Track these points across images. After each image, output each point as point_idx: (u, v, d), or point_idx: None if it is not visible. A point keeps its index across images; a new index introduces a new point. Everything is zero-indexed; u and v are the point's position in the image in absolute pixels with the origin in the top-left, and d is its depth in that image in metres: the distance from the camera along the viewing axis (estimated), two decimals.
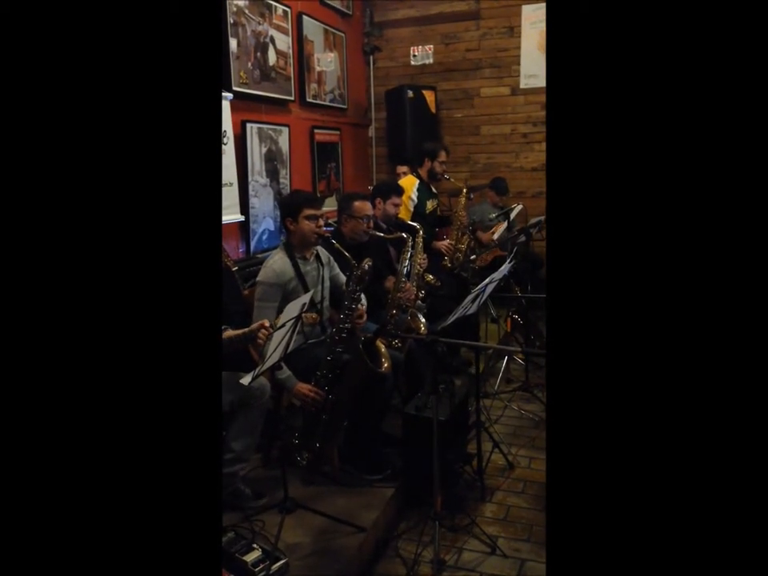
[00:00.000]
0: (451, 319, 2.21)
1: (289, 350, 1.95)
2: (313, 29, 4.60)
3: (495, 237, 3.95)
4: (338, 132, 5.02)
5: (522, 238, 3.73)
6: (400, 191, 3.43)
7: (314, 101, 4.62)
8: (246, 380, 1.83)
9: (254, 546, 2.02)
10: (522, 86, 5.36)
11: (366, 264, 2.41)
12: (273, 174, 4.03)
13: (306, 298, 1.96)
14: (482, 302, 2.33)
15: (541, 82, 5.28)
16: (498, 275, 2.41)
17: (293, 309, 1.87)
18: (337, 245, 2.50)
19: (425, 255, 3.27)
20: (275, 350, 1.85)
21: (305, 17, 4.44)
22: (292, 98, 4.28)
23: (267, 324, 2.05)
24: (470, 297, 2.25)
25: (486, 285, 2.32)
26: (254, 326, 2.06)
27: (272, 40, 4.01)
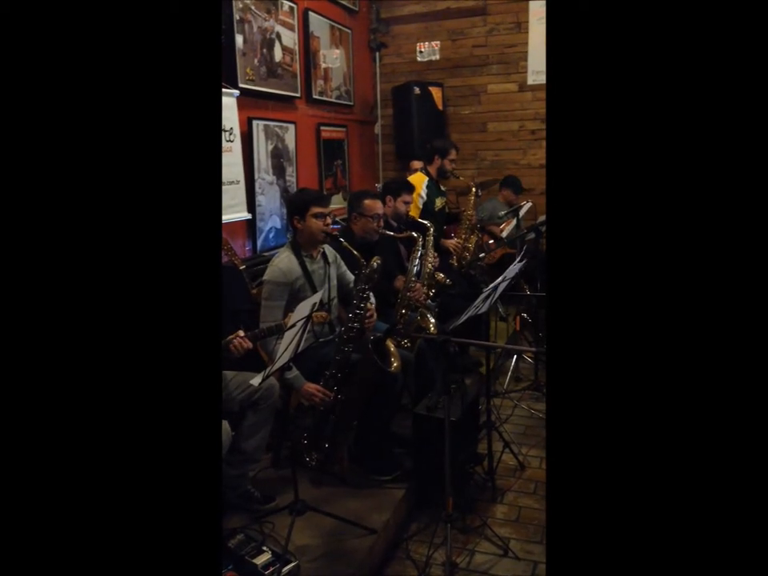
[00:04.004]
0: (463, 318, 2.18)
1: (299, 350, 1.92)
2: (319, 25, 4.56)
3: (504, 234, 3.92)
4: (344, 129, 4.99)
5: (531, 236, 3.70)
6: (411, 188, 3.39)
7: (321, 97, 4.59)
8: (256, 380, 1.80)
9: (264, 548, 2.00)
10: (529, 82, 5.31)
11: (375, 262, 2.38)
12: (279, 171, 4.00)
13: (316, 298, 1.93)
14: (493, 300, 2.29)
15: None
16: (510, 273, 2.38)
17: (303, 308, 1.84)
18: (345, 243, 2.47)
19: (436, 254, 3.23)
20: (286, 349, 1.82)
21: (311, 13, 4.40)
22: (298, 95, 4.25)
23: (242, 334, 2.06)
24: (482, 296, 2.21)
25: (499, 284, 2.28)
26: (231, 336, 2.04)
27: (278, 36, 3.97)
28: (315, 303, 1.89)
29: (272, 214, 3.93)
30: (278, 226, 3.97)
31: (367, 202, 2.93)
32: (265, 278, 2.45)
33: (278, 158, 3.98)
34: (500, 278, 2.31)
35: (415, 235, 3.08)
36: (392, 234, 3.08)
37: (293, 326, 1.80)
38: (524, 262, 2.56)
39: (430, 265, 3.21)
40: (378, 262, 2.36)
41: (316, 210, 2.45)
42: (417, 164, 4.69)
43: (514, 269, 2.40)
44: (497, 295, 2.26)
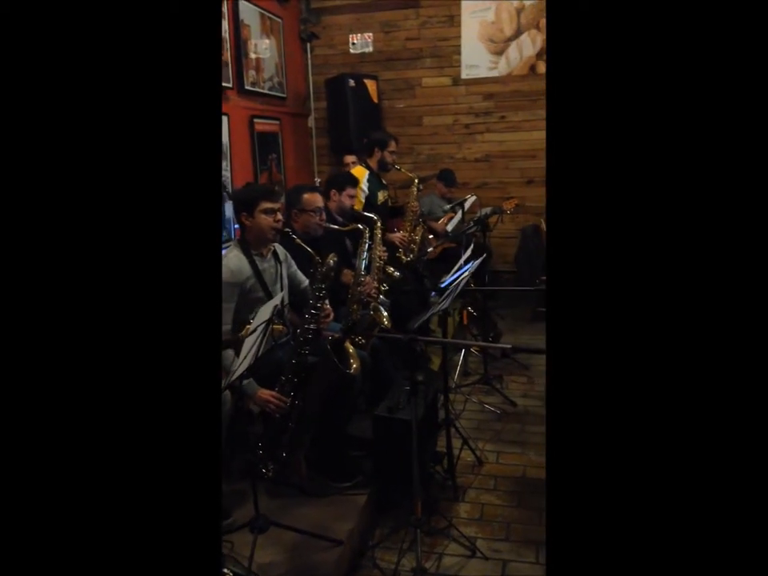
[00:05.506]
0: (427, 316, 2.11)
1: (259, 355, 1.79)
2: (249, 13, 4.36)
3: (449, 228, 3.88)
4: (278, 122, 4.81)
5: (473, 228, 3.67)
6: (355, 182, 3.29)
7: (253, 88, 4.39)
8: None
9: (225, 570, 1.85)
10: (463, 76, 5.31)
11: (332, 260, 2.27)
12: None
13: (277, 300, 1.80)
14: (454, 296, 2.24)
15: (482, 72, 5.26)
16: (472, 268, 2.33)
17: (264, 312, 1.71)
18: (298, 240, 2.34)
19: (384, 248, 3.15)
20: (245, 356, 1.69)
21: (241, 1, 4.20)
22: (230, 85, 4.04)
23: None
24: (446, 293, 2.15)
25: (462, 279, 2.22)
26: None
27: None
28: (276, 306, 1.76)
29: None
30: None
31: (306, 196, 2.80)
32: None
33: None
34: (466, 273, 2.25)
35: (361, 227, 2.97)
36: (337, 227, 2.97)
37: (253, 331, 1.66)
38: (484, 256, 2.52)
39: (379, 259, 3.11)
40: (335, 259, 2.25)
41: (265, 205, 2.30)
42: (350, 158, 4.59)
43: (474, 264, 2.35)
44: (458, 290, 2.20)
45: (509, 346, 2.13)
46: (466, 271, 2.26)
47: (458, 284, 2.16)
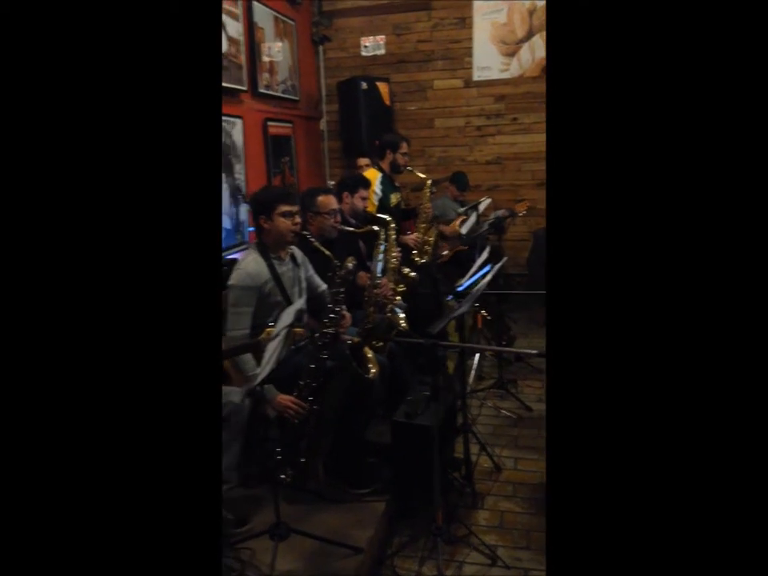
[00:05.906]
0: (448, 320, 2.09)
1: (280, 359, 1.77)
2: (263, 16, 4.36)
3: (463, 231, 3.85)
4: (290, 125, 4.80)
5: (488, 230, 3.65)
6: (367, 184, 3.27)
7: (267, 91, 4.38)
8: (237, 397, 1.64)
9: None
10: (475, 78, 5.29)
11: (350, 263, 2.24)
12: (227, 168, 3.78)
13: (299, 305, 1.78)
14: (474, 300, 2.21)
15: (494, 74, 5.24)
16: (494, 271, 2.30)
17: (287, 317, 1.69)
18: (316, 243, 2.32)
19: (399, 249, 3.12)
20: (268, 361, 1.67)
21: (255, 3, 4.19)
22: (245, 88, 4.03)
23: None
24: (468, 296, 2.13)
25: (485, 283, 2.20)
26: None
27: (223, 26, 3.75)
28: (299, 310, 1.74)
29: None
30: (228, 226, 3.75)
31: (321, 198, 2.78)
32: (230, 282, 2.26)
33: (226, 154, 3.77)
34: (489, 277, 2.23)
35: (376, 229, 2.95)
36: (352, 229, 2.95)
37: (276, 335, 1.65)
38: (505, 259, 2.49)
39: (393, 260, 3.09)
40: (354, 262, 2.23)
41: (284, 208, 2.28)
42: (363, 161, 4.56)
43: (495, 267, 2.33)
44: (478, 294, 2.18)
45: (534, 352, 2.09)
46: (486, 274, 2.23)
47: (479, 287, 2.13)
